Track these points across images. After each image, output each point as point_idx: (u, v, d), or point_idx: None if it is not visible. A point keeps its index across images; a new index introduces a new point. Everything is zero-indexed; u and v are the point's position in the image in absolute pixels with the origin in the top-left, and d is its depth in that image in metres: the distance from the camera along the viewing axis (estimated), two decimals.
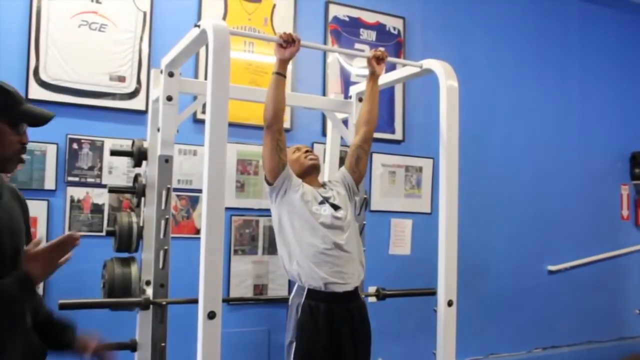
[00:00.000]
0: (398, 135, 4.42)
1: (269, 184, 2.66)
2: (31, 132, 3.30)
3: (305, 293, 2.60)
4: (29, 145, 3.21)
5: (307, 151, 2.86)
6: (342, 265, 2.62)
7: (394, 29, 4.48)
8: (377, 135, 2.97)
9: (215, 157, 2.16)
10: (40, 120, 1.71)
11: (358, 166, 2.89)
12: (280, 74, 2.58)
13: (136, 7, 3.58)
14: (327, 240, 2.60)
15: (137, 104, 3.55)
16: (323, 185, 2.85)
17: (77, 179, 3.38)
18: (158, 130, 2.81)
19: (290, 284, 3.85)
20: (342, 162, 3.37)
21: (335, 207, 2.70)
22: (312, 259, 2.58)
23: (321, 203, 2.69)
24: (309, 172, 2.82)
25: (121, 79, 3.53)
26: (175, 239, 3.17)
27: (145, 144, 3.00)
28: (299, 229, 2.62)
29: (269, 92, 2.58)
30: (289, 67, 3.88)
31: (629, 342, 5.52)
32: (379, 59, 2.89)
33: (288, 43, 2.54)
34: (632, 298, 5.60)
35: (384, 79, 3.16)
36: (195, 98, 3.25)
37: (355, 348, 2.64)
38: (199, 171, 2.96)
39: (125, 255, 2.92)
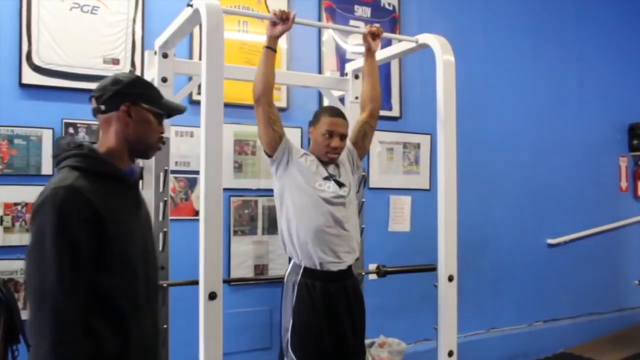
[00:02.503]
0: (395, 112, 4.41)
1: (269, 156, 2.65)
2: (26, 117, 3.28)
3: (301, 271, 2.61)
4: (24, 131, 3.22)
5: (335, 147, 2.70)
6: (339, 244, 2.62)
7: (389, 4, 4.44)
8: None
9: (212, 138, 2.15)
10: (175, 112, 1.94)
11: (364, 142, 2.89)
12: (271, 48, 2.55)
13: None
14: (328, 217, 2.59)
15: None
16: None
17: None
18: None
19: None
20: None
21: (340, 185, 2.69)
22: (311, 235, 2.57)
23: (326, 179, 2.66)
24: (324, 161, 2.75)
25: (115, 61, 3.50)
26: (174, 221, 3.18)
27: None
28: (300, 205, 2.60)
29: (259, 66, 2.56)
30: (285, 46, 3.89)
31: (629, 313, 5.57)
32: (374, 35, 2.87)
33: (282, 20, 2.52)
34: (632, 269, 5.63)
35: (380, 55, 3.13)
36: (190, 79, 3.22)
37: (352, 325, 2.66)
38: (196, 152, 2.96)
39: None
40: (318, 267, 2.59)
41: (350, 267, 2.71)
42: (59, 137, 1.80)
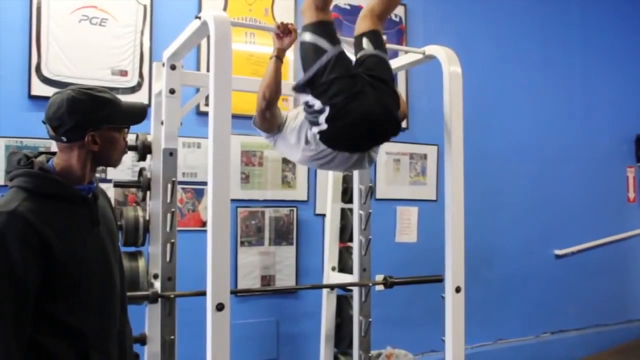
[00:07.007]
0: (402, 123, 4.40)
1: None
2: (35, 129, 3.30)
3: None
4: (33, 142, 3.24)
5: None
6: None
7: (396, 16, 4.46)
8: None
9: (219, 149, 2.16)
10: (139, 119, 1.85)
11: None
12: (279, 57, 2.54)
13: (136, 1, 3.57)
14: None
15: (139, 97, 3.55)
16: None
17: None
18: (161, 123, 2.81)
19: (298, 271, 3.87)
20: None
21: None
22: None
23: None
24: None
25: (123, 73, 3.53)
26: (182, 232, 3.18)
27: (149, 138, 3.00)
28: None
29: (269, 75, 2.47)
30: (291, 57, 3.90)
31: (637, 325, 5.53)
32: (285, 31, 2.51)
33: (285, 33, 2.51)
34: (639, 280, 5.60)
35: None
36: (197, 90, 3.24)
37: None
38: (204, 163, 2.96)
39: (132, 249, 2.93)
40: None
41: None
42: (10, 153, 1.67)
